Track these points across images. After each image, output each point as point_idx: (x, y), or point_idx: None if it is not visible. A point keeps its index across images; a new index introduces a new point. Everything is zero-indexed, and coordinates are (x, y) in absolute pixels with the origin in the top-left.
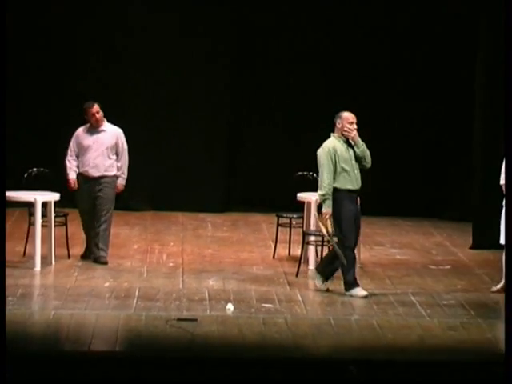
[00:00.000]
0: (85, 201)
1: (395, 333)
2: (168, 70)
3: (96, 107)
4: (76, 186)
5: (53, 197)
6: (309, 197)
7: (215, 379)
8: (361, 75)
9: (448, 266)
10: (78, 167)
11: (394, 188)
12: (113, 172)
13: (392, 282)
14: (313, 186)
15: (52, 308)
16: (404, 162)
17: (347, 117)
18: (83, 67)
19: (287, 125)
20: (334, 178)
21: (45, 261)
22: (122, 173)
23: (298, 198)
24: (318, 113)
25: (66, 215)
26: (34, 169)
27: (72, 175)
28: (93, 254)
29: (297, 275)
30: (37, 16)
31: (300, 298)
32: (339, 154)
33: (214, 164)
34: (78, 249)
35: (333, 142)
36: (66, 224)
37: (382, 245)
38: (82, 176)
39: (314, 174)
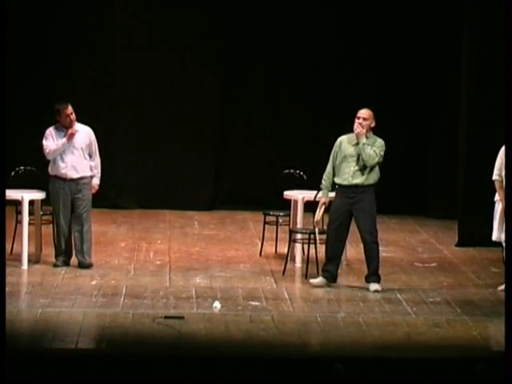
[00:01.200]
0: (62, 204)
1: (381, 330)
2: (159, 72)
3: (70, 108)
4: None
5: (40, 195)
6: (295, 195)
7: (202, 377)
8: (347, 75)
9: (434, 264)
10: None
11: (380, 186)
12: (89, 173)
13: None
14: (299, 184)
15: (39, 306)
16: (389, 160)
17: (357, 112)
18: (76, 69)
19: (274, 123)
20: (334, 171)
21: (32, 259)
22: (98, 172)
23: (284, 196)
24: (304, 113)
25: (53, 213)
26: (21, 167)
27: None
28: (76, 259)
29: (283, 273)
30: (37, 18)
31: (287, 296)
32: (342, 149)
33: (201, 162)
34: None
35: (345, 136)
36: (53, 222)
37: None
38: (57, 179)
39: (301, 172)
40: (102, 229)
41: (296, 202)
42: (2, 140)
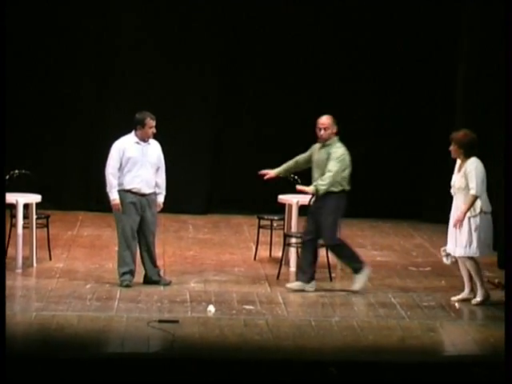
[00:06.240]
0: (134, 220)
1: (376, 334)
2: (154, 76)
3: (154, 120)
4: (120, 207)
5: (34, 198)
6: (290, 199)
7: (196, 381)
8: (344, 81)
9: (428, 268)
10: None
11: (374, 190)
12: (155, 188)
13: (372, 284)
14: (294, 188)
15: (34, 310)
16: (383, 165)
17: (318, 120)
18: (74, 71)
19: (268, 128)
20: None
21: (26, 262)
22: (163, 189)
23: (279, 200)
24: (300, 117)
25: (47, 217)
26: (16, 171)
27: (117, 195)
28: (151, 276)
29: (278, 277)
30: (32, 22)
31: (281, 300)
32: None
33: (195, 166)
34: (60, 250)
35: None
36: (47, 226)
37: (363, 246)
38: (130, 193)
39: (295, 177)
40: (96, 232)
41: (290, 206)
42: (2, 141)
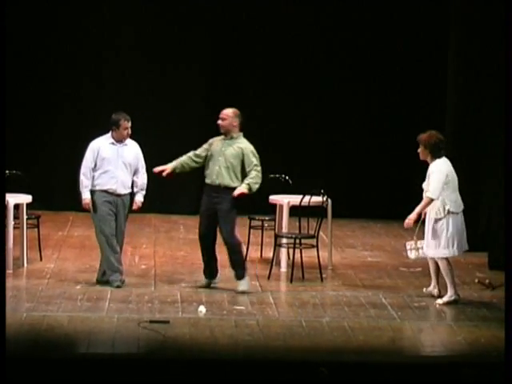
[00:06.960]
0: (110, 220)
1: (366, 334)
2: (154, 76)
3: (130, 122)
4: (90, 207)
5: (25, 199)
6: (281, 199)
7: (187, 381)
8: (338, 80)
9: (419, 269)
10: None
11: (365, 190)
12: (130, 189)
13: (363, 284)
14: (285, 189)
15: (24, 310)
16: (373, 165)
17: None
18: (72, 71)
19: (259, 127)
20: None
21: (17, 263)
22: (142, 189)
23: (270, 201)
24: (290, 117)
25: (38, 217)
26: (7, 171)
27: (88, 195)
28: (120, 275)
29: (269, 277)
30: (32, 22)
31: (272, 300)
32: (211, 147)
33: None
34: (50, 251)
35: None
36: (38, 226)
37: (354, 247)
38: (106, 193)
39: (286, 177)
40: (86, 233)
41: (281, 206)
42: (2, 142)
